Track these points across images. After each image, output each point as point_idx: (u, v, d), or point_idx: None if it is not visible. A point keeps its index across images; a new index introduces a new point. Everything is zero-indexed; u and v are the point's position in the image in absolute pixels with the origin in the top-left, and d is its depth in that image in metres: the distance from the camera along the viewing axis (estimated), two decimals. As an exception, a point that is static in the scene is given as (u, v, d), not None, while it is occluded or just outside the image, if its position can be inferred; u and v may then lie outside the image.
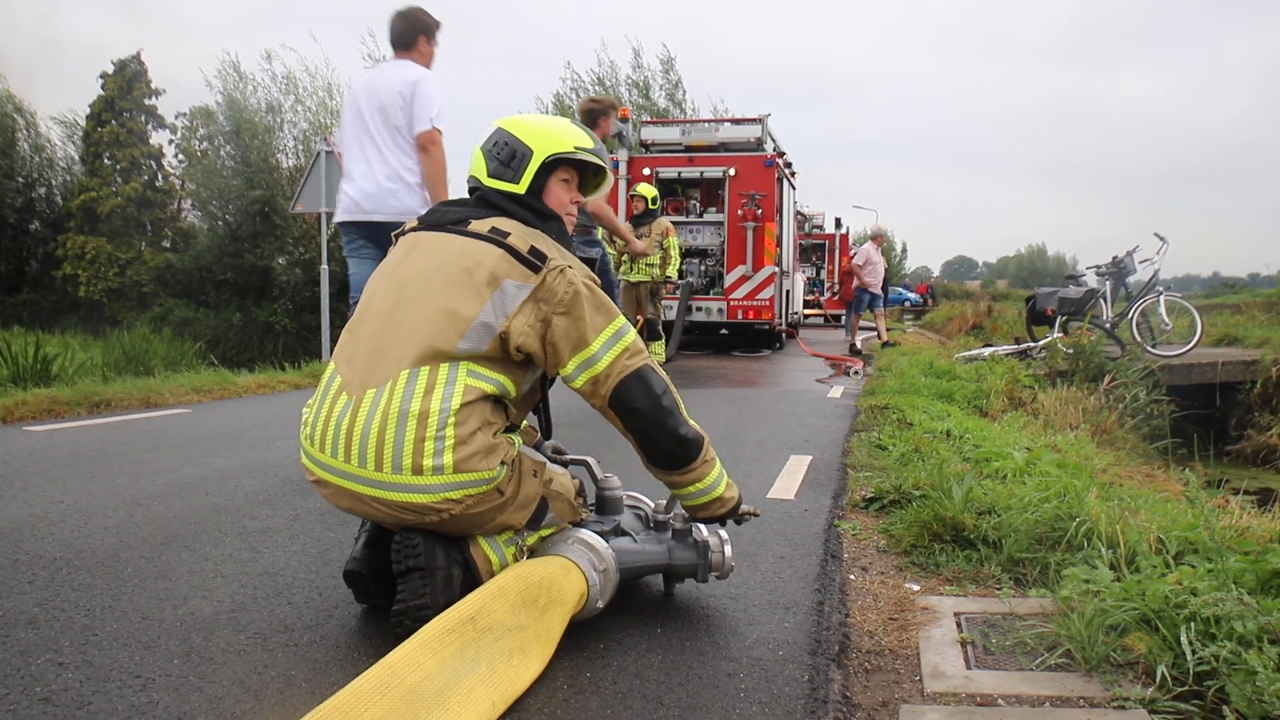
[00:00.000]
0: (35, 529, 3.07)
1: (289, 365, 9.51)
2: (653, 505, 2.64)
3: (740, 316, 13.57)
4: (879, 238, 15.08)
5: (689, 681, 2.03)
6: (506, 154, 2.33)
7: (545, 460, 2.34)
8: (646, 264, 9.71)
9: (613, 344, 2.18)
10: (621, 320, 2.22)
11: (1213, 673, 1.96)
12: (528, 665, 1.92)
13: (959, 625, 2.49)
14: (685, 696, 1.96)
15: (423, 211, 5.95)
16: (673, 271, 10.23)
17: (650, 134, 14.66)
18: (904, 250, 57.53)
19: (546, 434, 2.57)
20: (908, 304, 43.09)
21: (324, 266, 10.67)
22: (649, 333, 9.69)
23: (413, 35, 4.48)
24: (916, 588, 2.82)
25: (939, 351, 12.61)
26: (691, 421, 2.31)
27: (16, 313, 24.70)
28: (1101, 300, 10.93)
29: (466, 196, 2.43)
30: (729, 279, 13.60)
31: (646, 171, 13.55)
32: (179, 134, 29.81)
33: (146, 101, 29.55)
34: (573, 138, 2.36)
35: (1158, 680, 1.99)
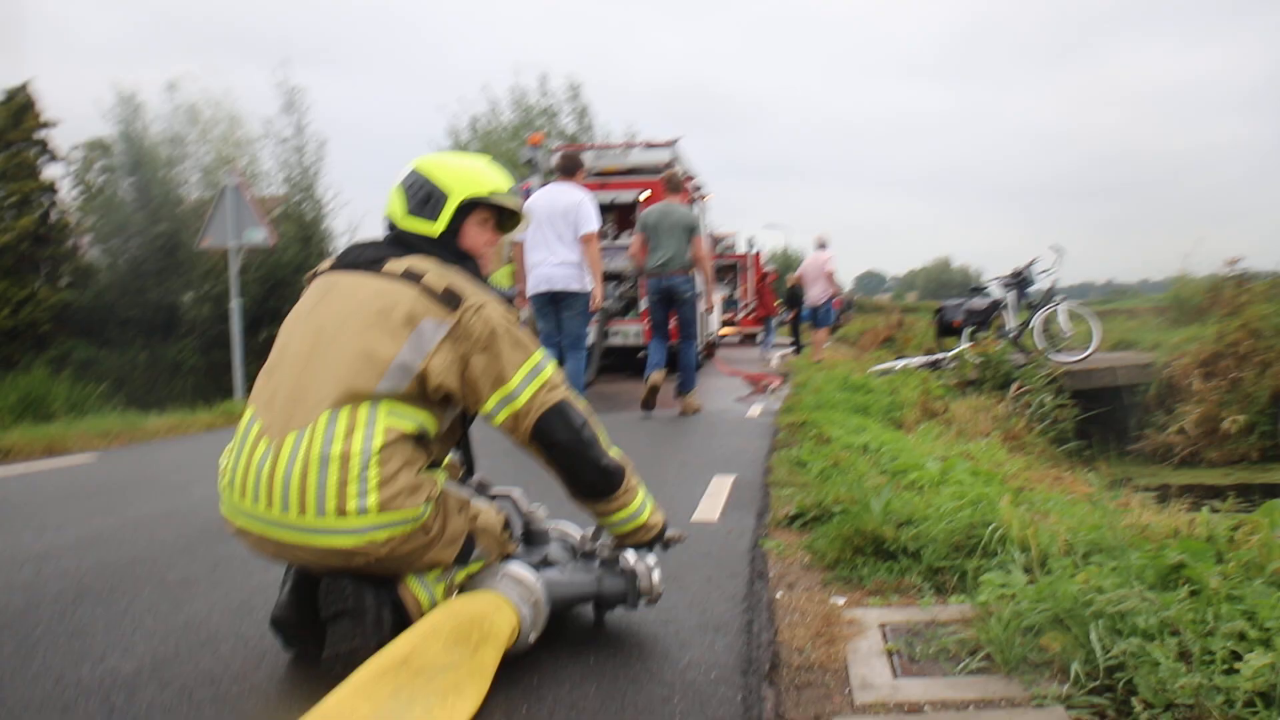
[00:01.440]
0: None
1: (200, 403, 9.21)
2: (579, 535, 2.65)
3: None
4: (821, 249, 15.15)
5: (624, 710, 2.04)
6: (423, 195, 2.34)
7: (469, 496, 2.34)
8: None
9: (531, 379, 2.20)
10: (540, 354, 2.25)
11: (1122, 666, 2.06)
12: (463, 704, 1.91)
13: (884, 636, 2.56)
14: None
15: (587, 288, 6.52)
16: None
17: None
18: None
19: (469, 471, 2.57)
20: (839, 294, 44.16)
21: (234, 302, 10.38)
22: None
23: (574, 169, 6.98)
24: (841, 601, 2.90)
25: (853, 366, 12.93)
26: (612, 451, 2.34)
27: (-100, 357, 23.26)
28: (1005, 310, 11.38)
29: (381, 237, 2.43)
30: (643, 303, 13.69)
31: None
32: (74, 167, 28.68)
33: (37, 135, 28.35)
34: (489, 181, 2.38)
35: (1072, 677, 2.09)
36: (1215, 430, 7.81)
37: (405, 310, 2.14)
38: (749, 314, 26.03)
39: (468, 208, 2.34)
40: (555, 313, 6.76)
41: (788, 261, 60.78)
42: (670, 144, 14.39)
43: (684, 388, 7.95)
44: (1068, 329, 10.60)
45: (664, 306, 7.79)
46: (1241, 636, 2.08)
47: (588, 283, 6.73)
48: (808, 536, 3.66)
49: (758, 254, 28.77)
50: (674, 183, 8.31)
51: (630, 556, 2.48)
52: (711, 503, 4.33)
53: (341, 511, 2.00)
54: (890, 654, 2.43)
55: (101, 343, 24.56)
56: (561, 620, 2.55)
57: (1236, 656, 1.98)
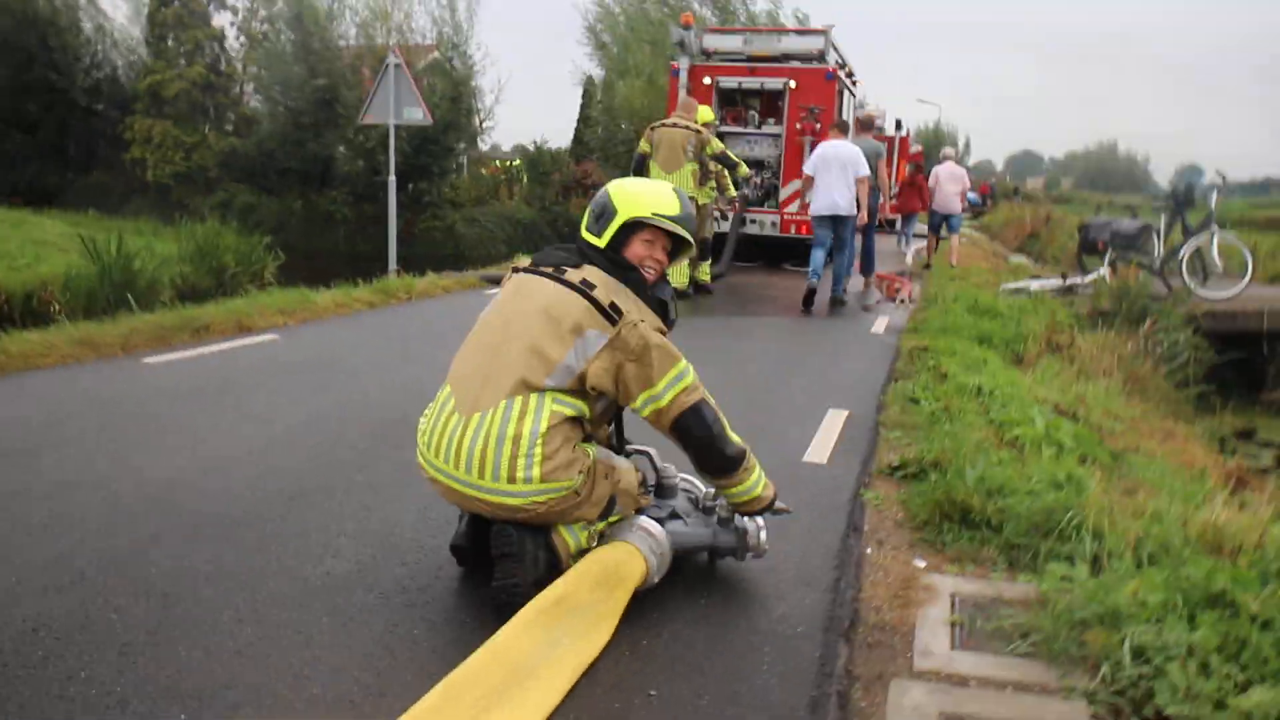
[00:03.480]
0: (187, 486, 3.66)
1: (355, 262, 9.99)
2: (703, 490, 3.14)
3: (793, 231, 13.68)
4: (949, 160, 14.86)
5: (725, 652, 2.57)
6: (599, 210, 2.80)
7: (615, 463, 2.82)
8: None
9: (675, 384, 2.65)
10: (683, 364, 2.68)
11: (1145, 675, 2.43)
12: (600, 635, 2.47)
13: (953, 606, 2.98)
14: (722, 665, 2.50)
15: (848, 210, 8.96)
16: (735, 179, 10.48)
17: (712, 42, 14.50)
18: (966, 145, 55.99)
19: (619, 446, 3.05)
20: (968, 204, 42.24)
21: (391, 178, 11.08)
22: (701, 253, 10.02)
23: (846, 129, 9.99)
24: (923, 564, 3.31)
25: (986, 278, 12.76)
26: (735, 438, 2.79)
27: (89, 195, 25.53)
28: (1155, 235, 10.95)
29: (571, 243, 2.90)
30: (784, 193, 13.68)
31: (707, 81, 13.51)
32: (240, 15, 29.92)
33: (208, -19, 29.55)
34: (654, 204, 2.76)
35: (1100, 675, 2.47)
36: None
37: (574, 320, 2.61)
38: (892, 200, 25.39)
39: (632, 226, 2.75)
40: (832, 226, 9.45)
41: (940, 139, 57.81)
42: (824, 31, 14.01)
43: (865, 269, 11.12)
44: (1218, 263, 10.17)
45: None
46: (1265, 662, 2.40)
47: (852, 209, 9.34)
48: (903, 490, 4.04)
49: (905, 136, 27.67)
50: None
51: (743, 517, 2.96)
52: (823, 442, 4.74)
53: (512, 479, 2.54)
54: (954, 625, 2.85)
55: (262, 189, 26.26)
56: (682, 561, 3.06)
57: (1250, 683, 2.31)
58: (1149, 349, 8.40)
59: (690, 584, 2.97)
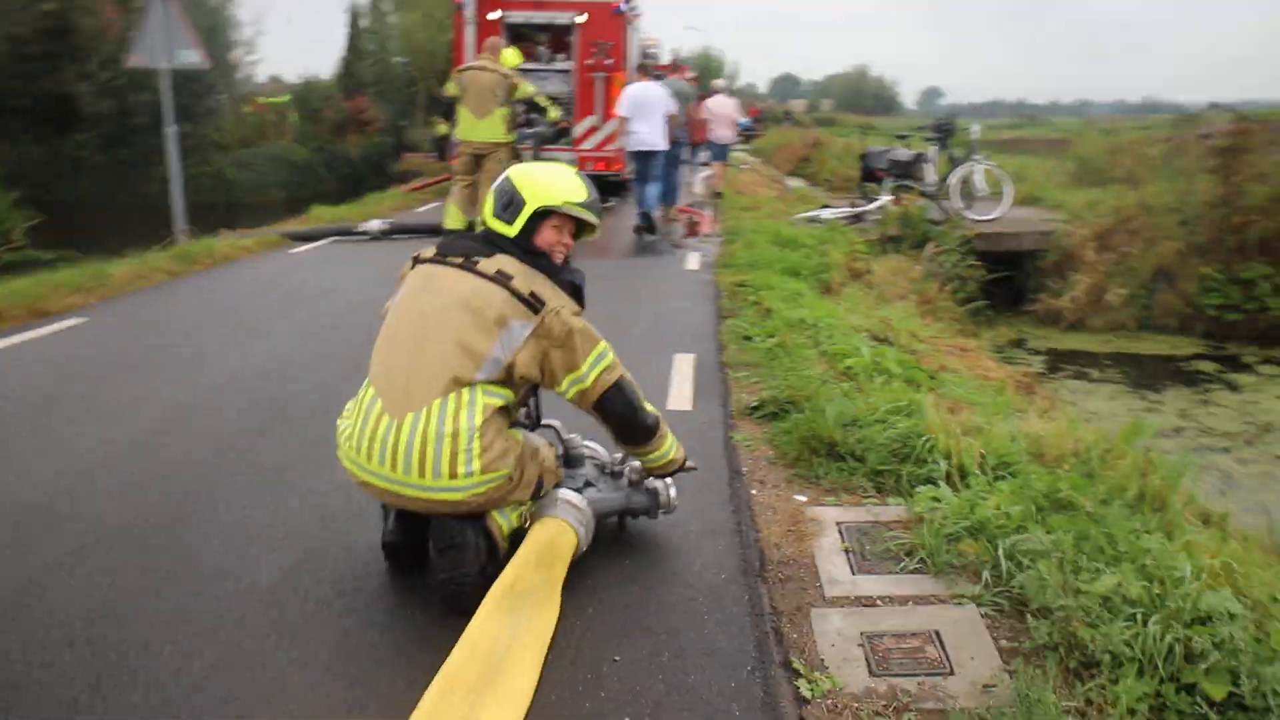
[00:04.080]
0: (59, 501, 3.37)
1: (134, 239, 9.17)
2: (607, 456, 3.27)
3: (591, 168, 13.78)
4: (720, 91, 15.33)
5: (665, 609, 2.76)
6: (506, 200, 2.79)
7: (536, 443, 2.90)
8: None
9: (596, 364, 2.75)
10: (603, 343, 2.77)
11: (1018, 574, 2.86)
12: (552, 610, 2.58)
13: (841, 535, 3.33)
14: (666, 622, 2.69)
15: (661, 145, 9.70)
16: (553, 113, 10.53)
17: None
18: (735, 70, 57.83)
19: (536, 421, 3.12)
20: (739, 129, 43.80)
21: (169, 129, 10.06)
22: None
23: (649, 68, 10.50)
24: (804, 499, 3.64)
25: (776, 207, 13.50)
26: (649, 407, 2.94)
27: None
28: (927, 164, 12.00)
29: (476, 233, 2.87)
30: (578, 129, 13.72)
31: (494, 15, 13.17)
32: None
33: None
34: (563, 192, 2.79)
35: (983, 581, 2.89)
36: (1100, 299, 8.80)
37: (497, 312, 2.62)
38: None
39: (542, 214, 2.77)
40: (646, 160, 10.36)
41: (709, 65, 59.05)
42: None
43: (666, 199, 11.42)
44: (982, 188, 11.33)
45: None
46: (1103, 551, 2.89)
47: (665, 144, 10.34)
48: (767, 429, 4.37)
49: (683, 67, 28.26)
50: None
51: (653, 478, 3.14)
52: (680, 388, 4.99)
53: (453, 475, 2.56)
54: (848, 552, 3.19)
55: (-11, 133, 22.97)
56: (598, 527, 3.20)
57: (1099, 570, 2.79)
58: (933, 271, 9.30)
59: (607, 547, 3.12)
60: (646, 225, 10.55)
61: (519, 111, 9.86)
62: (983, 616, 2.77)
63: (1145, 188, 10.26)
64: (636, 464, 3.16)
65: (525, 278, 2.70)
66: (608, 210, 13.53)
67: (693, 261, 9.31)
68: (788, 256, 8.97)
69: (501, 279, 2.67)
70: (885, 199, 11.59)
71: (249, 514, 3.29)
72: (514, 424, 2.84)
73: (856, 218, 11.25)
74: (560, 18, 13.42)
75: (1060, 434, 4.02)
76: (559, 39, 13.92)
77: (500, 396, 2.67)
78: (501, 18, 13.17)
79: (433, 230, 10.36)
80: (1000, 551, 2.94)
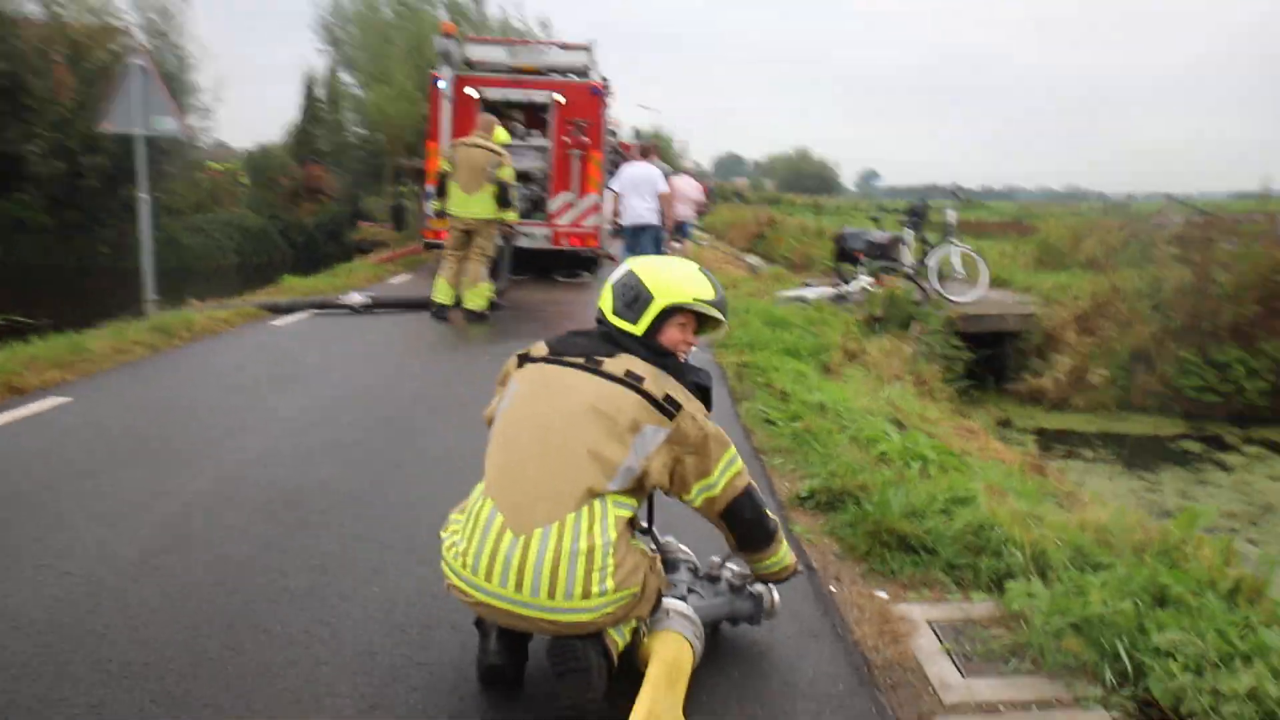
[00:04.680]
0: (73, 618, 3.10)
1: (128, 317, 8.82)
2: (695, 559, 3.13)
3: (565, 243, 13.83)
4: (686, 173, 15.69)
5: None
6: (630, 296, 2.65)
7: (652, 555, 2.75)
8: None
9: (727, 470, 2.61)
10: (732, 449, 2.64)
11: (1141, 673, 2.79)
12: (680, 731, 2.43)
13: (936, 634, 3.23)
14: (795, 734, 2.55)
15: (654, 221, 10.47)
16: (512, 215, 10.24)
17: (475, 52, 14.28)
18: (685, 148, 59.21)
19: (650, 525, 2.98)
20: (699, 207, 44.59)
21: (143, 195, 9.81)
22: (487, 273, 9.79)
23: (649, 152, 11.97)
24: (885, 596, 3.54)
25: (754, 286, 13.66)
26: (771, 514, 2.82)
27: None
28: (904, 246, 12.29)
29: (591, 329, 2.73)
30: (553, 204, 13.76)
31: (471, 92, 13.27)
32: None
33: None
34: (693, 289, 2.67)
35: (1105, 682, 2.81)
36: (1082, 379, 9.02)
37: (630, 417, 2.47)
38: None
39: (669, 312, 2.66)
40: (638, 235, 11.20)
41: (661, 143, 60.28)
42: (586, 47, 14.28)
43: None
44: (960, 270, 11.63)
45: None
46: (1233, 645, 2.84)
47: (658, 220, 11.26)
48: (824, 521, 4.27)
49: (641, 145, 28.85)
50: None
51: (758, 583, 3.01)
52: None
53: (586, 595, 2.39)
54: (949, 653, 3.09)
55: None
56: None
57: (1225, 668, 2.73)
58: (922, 351, 9.43)
59: (709, 655, 2.95)
60: None
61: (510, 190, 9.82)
62: (1114, 718, 2.69)
63: (1115, 273, 10.65)
64: (734, 567, 3.03)
65: (655, 379, 2.55)
66: (582, 285, 13.58)
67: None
68: (783, 336, 9.01)
69: (632, 381, 2.53)
70: (866, 279, 11.79)
71: (307, 630, 3.06)
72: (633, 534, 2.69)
73: (840, 297, 11.41)
74: (538, 96, 13.58)
75: (1128, 523, 4.01)
76: (535, 116, 14.06)
77: (629, 507, 2.53)
78: (479, 94, 13.26)
79: (418, 305, 10.20)
80: (1121, 650, 2.87)
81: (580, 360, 2.60)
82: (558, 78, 13.84)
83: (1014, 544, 3.70)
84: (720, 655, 2.99)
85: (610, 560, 2.41)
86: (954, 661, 3.04)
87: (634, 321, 2.64)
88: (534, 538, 2.40)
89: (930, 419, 7.18)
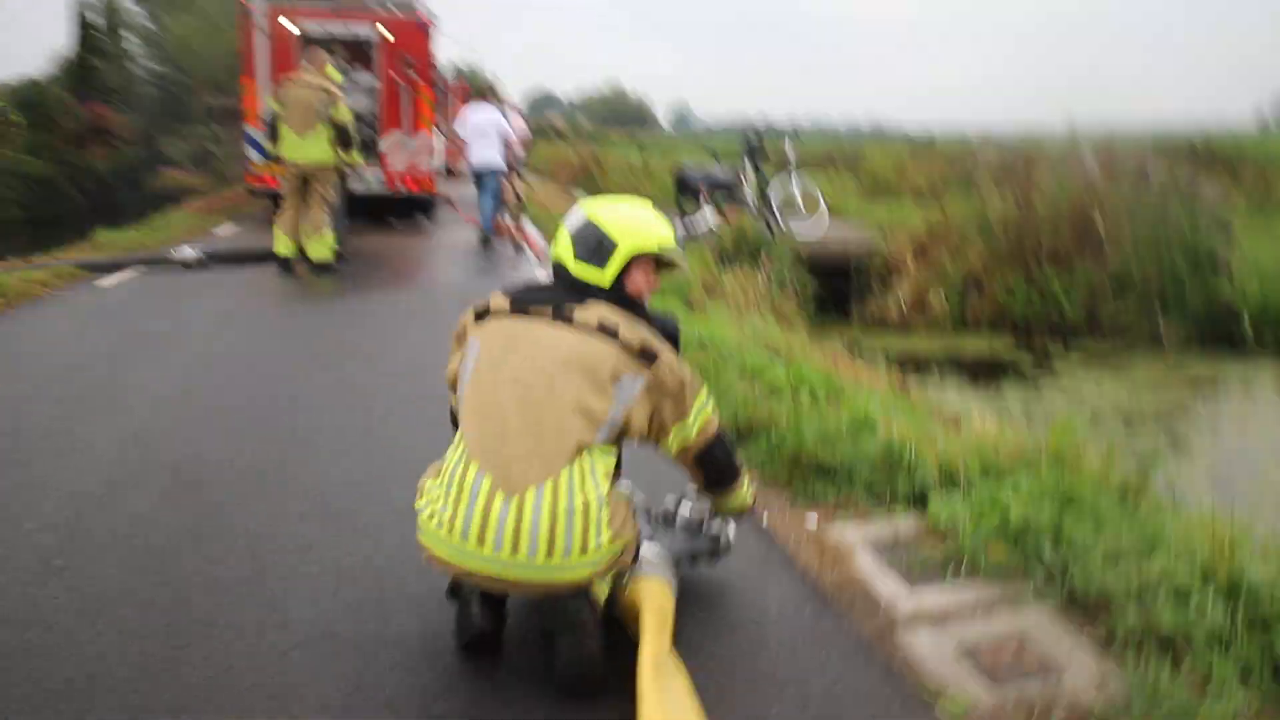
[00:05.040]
0: None
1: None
2: (653, 504, 3.15)
3: (400, 187, 13.25)
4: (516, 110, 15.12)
5: (771, 654, 2.74)
6: (593, 243, 2.55)
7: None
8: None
9: (699, 413, 2.61)
10: (704, 390, 2.64)
11: (1065, 569, 3.09)
12: (683, 675, 2.47)
13: (872, 553, 3.43)
14: (782, 669, 2.65)
15: (501, 164, 10.56)
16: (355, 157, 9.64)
17: None
18: (493, 85, 57.57)
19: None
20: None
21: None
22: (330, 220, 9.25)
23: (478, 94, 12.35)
24: (814, 520, 3.71)
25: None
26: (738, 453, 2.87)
27: None
28: (745, 180, 12.59)
29: (553, 279, 2.63)
30: (384, 145, 13.11)
31: (287, 23, 12.33)
32: None
33: None
34: (656, 235, 2.62)
35: (1035, 580, 3.08)
36: (923, 303, 9.66)
37: (610, 368, 2.42)
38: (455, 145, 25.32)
39: (634, 258, 2.58)
40: (483, 178, 11.39)
41: (473, 77, 58.12)
42: None
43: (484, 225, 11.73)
44: (801, 202, 12.06)
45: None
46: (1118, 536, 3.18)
47: (502, 163, 11.37)
48: (742, 452, 4.39)
49: (462, 82, 27.73)
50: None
51: (716, 520, 3.06)
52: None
53: (584, 550, 2.35)
54: (891, 570, 3.29)
55: None
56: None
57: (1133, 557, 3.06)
58: (774, 283, 9.78)
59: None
60: (486, 240, 11.56)
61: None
62: (1054, 613, 2.96)
63: (946, 204, 11.38)
64: (688, 507, 3.08)
65: (629, 327, 2.49)
66: (421, 230, 13.10)
67: (540, 276, 9.19)
68: (644, 274, 9.09)
69: (607, 330, 2.47)
70: (710, 215, 12.02)
71: (259, 619, 2.88)
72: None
73: (687, 233, 11.58)
74: (363, 30, 12.78)
75: (1015, 438, 4.37)
76: (360, 52, 13.24)
77: (613, 455, 2.51)
78: (296, 27, 12.34)
79: (257, 258, 9.54)
80: (1047, 550, 3.15)
81: (548, 311, 2.51)
82: (382, 11, 13.07)
83: (923, 462, 3.96)
84: (682, 596, 3.04)
85: (604, 513, 2.39)
86: (897, 577, 3.25)
87: (600, 268, 2.57)
88: (527, 498, 2.33)
89: (793, 347, 7.49)
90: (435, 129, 13.43)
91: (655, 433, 2.58)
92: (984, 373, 8.36)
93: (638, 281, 2.64)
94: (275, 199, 13.13)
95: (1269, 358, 8.48)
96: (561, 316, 2.49)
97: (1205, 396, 7.63)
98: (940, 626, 2.93)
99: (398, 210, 14.08)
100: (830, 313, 10.53)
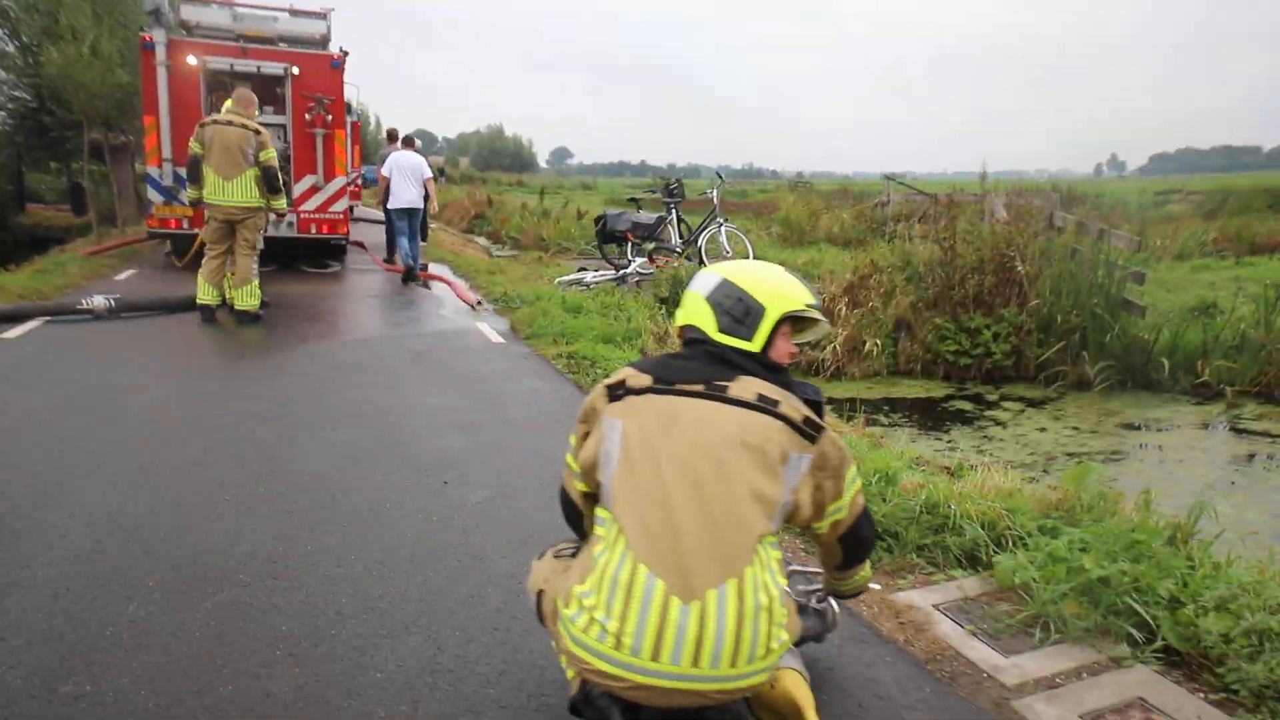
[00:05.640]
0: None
1: None
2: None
3: (314, 231, 12.67)
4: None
5: (912, 732, 2.59)
6: (740, 310, 2.34)
7: None
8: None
9: (851, 488, 2.42)
10: (854, 464, 2.45)
11: (1157, 625, 3.09)
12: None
13: (950, 619, 3.35)
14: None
15: (421, 205, 12.29)
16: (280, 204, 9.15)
17: (193, 14, 12.52)
18: (377, 124, 56.63)
19: None
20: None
21: None
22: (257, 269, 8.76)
23: (405, 140, 12.87)
24: (878, 586, 3.62)
25: (523, 271, 13.40)
26: None
27: None
28: (670, 226, 12.63)
29: (691, 351, 2.39)
30: (298, 189, 12.55)
31: (193, 60, 11.73)
32: None
33: None
34: (801, 294, 2.42)
35: (1129, 638, 3.07)
36: (857, 349, 9.82)
37: (778, 447, 2.20)
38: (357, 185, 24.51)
39: (779, 322, 2.39)
40: (407, 218, 12.10)
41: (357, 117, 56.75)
42: (324, 15, 13.08)
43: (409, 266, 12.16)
44: (728, 247, 12.17)
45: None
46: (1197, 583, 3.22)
47: (422, 204, 12.26)
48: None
49: (357, 122, 26.99)
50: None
51: (825, 600, 2.91)
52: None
53: (767, 654, 2.14)
54: (974, 634, 3.23)
55: None
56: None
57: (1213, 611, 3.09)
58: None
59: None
60: (411, 277, 11.99)
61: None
62: (1157, 673, 2.94)
63: (872, 249, 11.69)
64: (798, 586, 2.92)
65: (787, 401, 2.29)
66: (335, 276, 12.54)
67: (490, 332, 8.91)
68: (591, 323, 8.92)
69: (767, 405, 2.25)
70: (639, 260, 11.98)
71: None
72: None
73: (621, 280, 11.50)
74: (272, 68, 12.22)
75: (1037, 492, 4.42)
76: (268, 90, 12.66)
77: (778, 545, 2.31)
78: (201, 64, 11.72)
79: (174, 306, 8.86)
80: (1138, 607, 3.14)
81: (699, 387, 2.29)
82: (290, 48, 12.56)
83: (967, 518, 3.94)
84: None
85: (783, 610, 2.19)
86: (985, 643, 3.18)
87: (749, 338, 2.37)
88: (709, 602, 2.09)
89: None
90: (348, 171, 12.96)
91: (813, 515, 2.36)
92: (931, 419, 8.53)
93: (781, 348, 2.44)
94: (175, 242, 12.42)
95: (1186, 399, 9.01)
96: (715, 392, 2.27)
97: (1140, 439, 8.01)
98: (1054, 695, 2.86)
99: (308, 254, 13.48)
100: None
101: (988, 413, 8.69)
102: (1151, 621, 3.11)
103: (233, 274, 8.64)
